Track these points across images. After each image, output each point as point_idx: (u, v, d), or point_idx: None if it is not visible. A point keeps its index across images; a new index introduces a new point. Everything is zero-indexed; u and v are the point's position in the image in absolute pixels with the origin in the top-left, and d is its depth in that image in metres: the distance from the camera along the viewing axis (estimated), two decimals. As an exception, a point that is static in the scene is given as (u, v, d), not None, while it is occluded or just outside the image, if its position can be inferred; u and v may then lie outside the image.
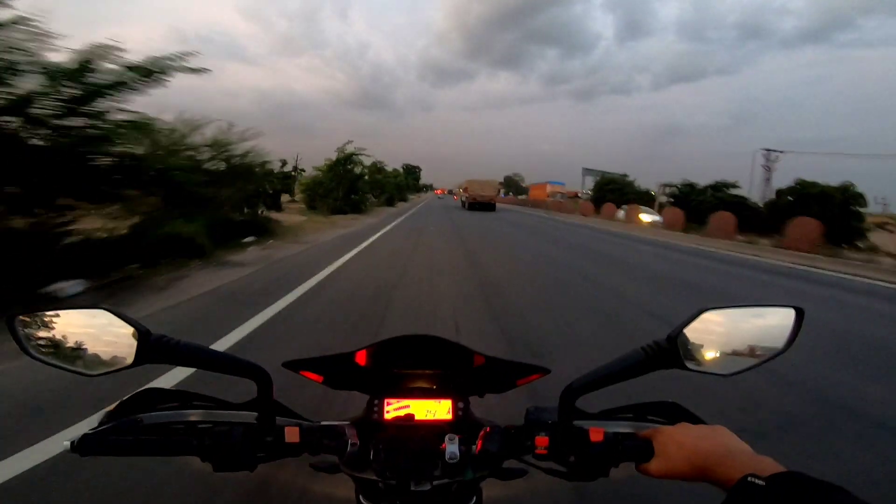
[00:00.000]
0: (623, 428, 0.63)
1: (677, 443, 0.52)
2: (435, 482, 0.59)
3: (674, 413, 0.64)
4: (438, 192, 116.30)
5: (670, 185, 29.61)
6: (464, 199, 38.18)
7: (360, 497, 0.66)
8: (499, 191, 38.12)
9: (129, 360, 0.52)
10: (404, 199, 53.43)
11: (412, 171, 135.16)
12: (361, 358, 0.66)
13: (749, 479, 0.40)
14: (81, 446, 0.53)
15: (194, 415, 0.61)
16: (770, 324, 0.58)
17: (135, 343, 0.52)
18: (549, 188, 62.44)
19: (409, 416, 0.66)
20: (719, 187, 25.43)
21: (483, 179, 36.65)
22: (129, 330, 0.52)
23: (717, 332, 0.57)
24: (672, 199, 28.11)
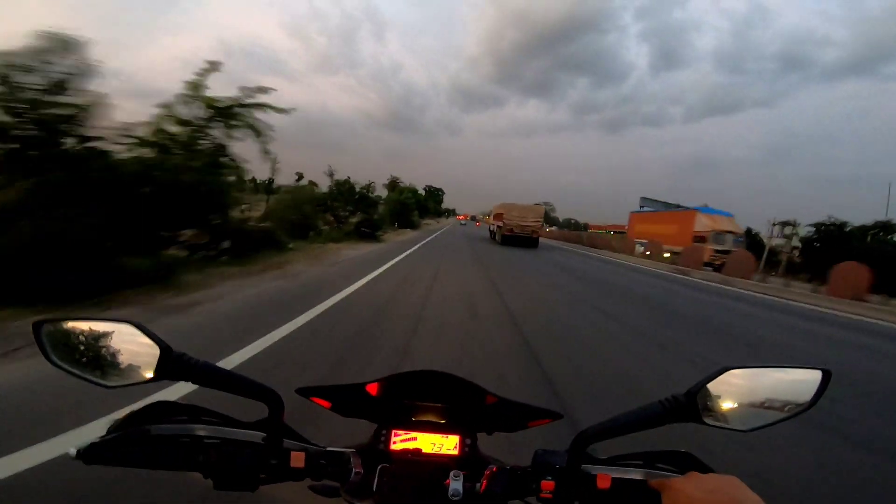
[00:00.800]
0: (632, 475, 0.61)
1: (687, 497, 0.51)
2: None
3: (685, 463, 0.62)
4: (461, 217, 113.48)
5: (790, 224, 18.39)
6: (494, 228, 28.61)
7: None
8: (542, 220, 26.49)
9: (148, 375, 0.53)
10: (412, 225, 41.08)
11: (434, 194, 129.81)
12: (373, 389, 0.67)
13: None
14: (87, 454, 0.53)
15: (202, 430, 0.61)
16: (794, 382, 0.56)
17: (155, 359, 0.53)
18: (702, 220, 23.94)
19: (417, 451, 0.66)
20: (886, 227, 17.24)
21: (523, 204, 25.79)
22: (152, 345, 0.53)
23: (737, 391, 0.56)
24: (798, 245, 18.47)
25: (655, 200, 39.74)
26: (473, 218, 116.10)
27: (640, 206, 39.09)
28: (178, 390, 2.31)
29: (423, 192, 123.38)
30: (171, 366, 0.53)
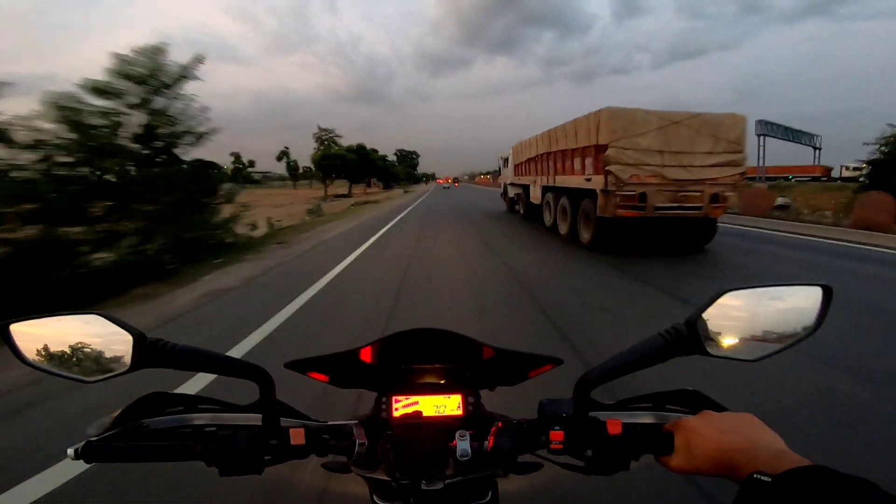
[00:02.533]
0: (642, 419, 0.61)
1: (700, 437, 0.49)
2: (447, 480, 0.58)
3: (695, 402, 0.61)
4: (441, 181, 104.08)
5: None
6: (514, 194, 14.90)
7: (374, 496, 0.65)
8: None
9: (126, 365, 0.51)
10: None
11: (407, 158, 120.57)
12: (367, 354, 0.65)
13: (755, 475, 0.38)
14: (85, 454, 0.52)
15: (199, 419, 0.60)
16: (796, 304, 0.54)
17: (131, 348, 0.50)
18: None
19: (417, 413, 0.65)
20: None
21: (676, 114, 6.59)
22: (125, 335, 0.51)
23: (738, 316, 0.54)
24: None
25: (776, 125, 26.97)
26: (456, 180, 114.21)
27: (757, 134, 26.66)
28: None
29: (394, 157, 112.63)
30: (147, 353, 0.51)
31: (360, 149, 59.98)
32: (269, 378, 0.56)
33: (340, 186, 66.67)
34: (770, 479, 0.36)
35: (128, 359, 0.51)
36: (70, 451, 0.52)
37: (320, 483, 1.71)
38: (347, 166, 55.04)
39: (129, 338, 0.50)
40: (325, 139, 65.29)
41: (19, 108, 5.81)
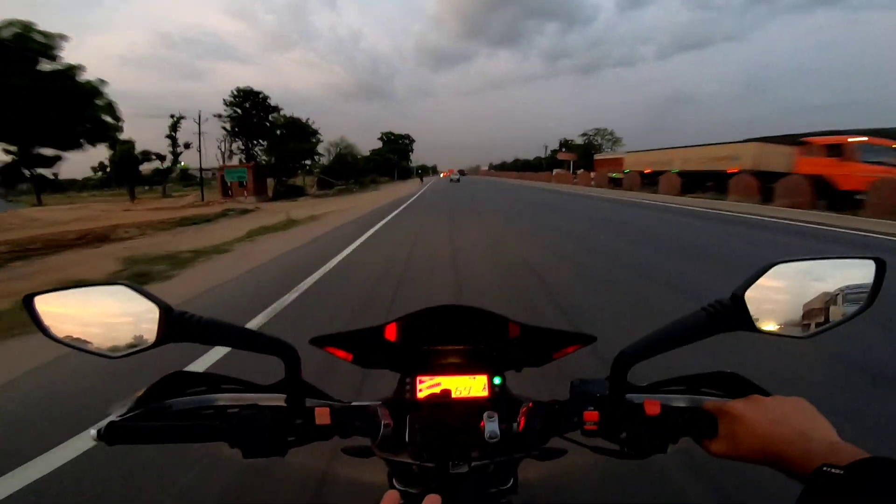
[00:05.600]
0: (678, 402, 0.58)
1: (748, 424, 0.47)
2: (473, 463, 0.56)
3: (733, 385, 0.58)
4: (446, 174, 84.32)
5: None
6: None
7: (394, 481, 0.63)
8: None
9: (152, 339, 0.50)
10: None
11: (395, 143, 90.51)
12: (391, 332, 0.63)
13: (825, 468, 0.36)
14: (108, 435, 0.51)
15: (223, 398, 0.58)
16: (848, 278, 0.52)
17: (156, 321, 0.49)
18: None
19: (446, 393, 0.62)
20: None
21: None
22: (151, 307, 0.49)
23: (787, 290, 0.51)
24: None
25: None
26: (462, 172, 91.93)
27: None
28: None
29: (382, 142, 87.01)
30: (174, 327, 0.49)
31: (291, 123, 32.61)
32: (295, 354, 0.55)
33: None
34: (842, 472, 0.35)
35: (153, 333, 0.49)
36: (93, 432, 0.51)
37: (338, 469, 1.71)
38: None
39: (156, 310, 0.49)
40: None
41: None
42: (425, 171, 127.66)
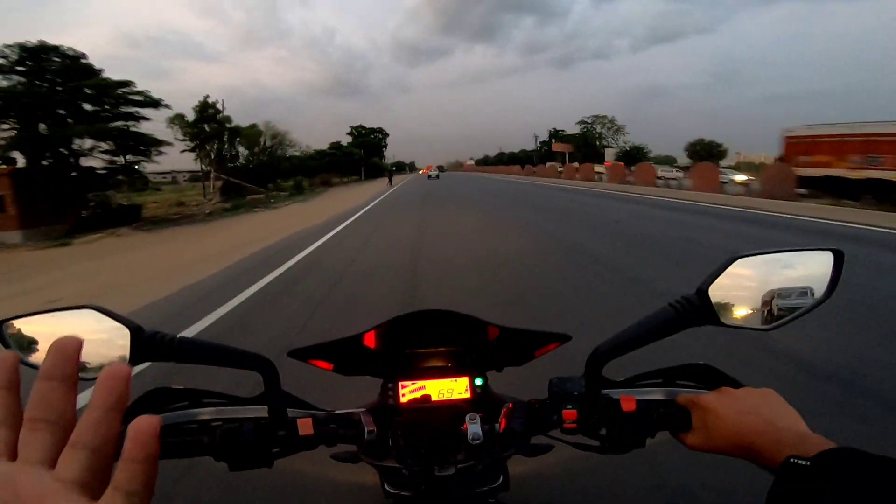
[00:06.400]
0: (654, 395, 0.59)
1: (719, 416, 0.48)
2: (459, 465, 0.57)
3: (706, 376, 0.60)
4: (425, 170, 70.67)
5: None
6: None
7: (385, 485, 0.64)
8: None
9: (125, 360, 0.49)
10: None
11: (366, 137, 79.61)
12: (370, 340, 0.64)
13: (792, 459, 0.37)
14: None
15: (205, 413, 0.58)
16: (808, 270, 0.53)
17: (128, 341, 0.49)
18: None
19: (426, 398, 0.63)
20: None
21: None
22: (121, 328, 0.49)
23: (749, 284, 0.52)
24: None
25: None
26: (441, 168, 78.49)
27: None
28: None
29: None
30: (145, 347, 0.49)
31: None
32: (273, 368, 0.55)
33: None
34: (808, 463, 0.36)
35: (125, 354, 0.49)
36: None
37: (331, 475, 1.71)
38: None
39: (125, 331, 0.49)
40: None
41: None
42: (401, 168, 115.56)
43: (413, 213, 13.26)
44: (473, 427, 0.55)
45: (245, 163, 33.66)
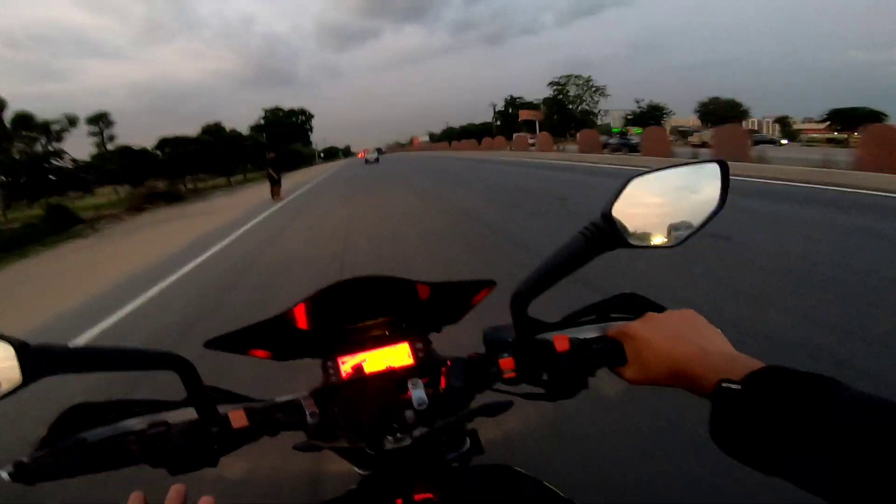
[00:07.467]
0: (588, 332, 0.58)
1: (648, 345, 0.48)
2: (415, 433, 0.55)
3: (635, 305, 0.60)
4: (361, 154, 62.04)
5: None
6: None
7: (356, 468, 0.62)
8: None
9: (17, 379, 0.45)
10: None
11: (284, 120, 70.47)
12: (301, 319, 0.61)
13: (723, 384, 0.37)
14: (20, 474, 0.47)
15: (136, 422, 0.55)
16: (700, 184, 0.54)
17: (14, 359, 0.45)
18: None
19: (358, 368, 0.61)
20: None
21: None
22: (5, 347, 0.45)
23: (649, 203, 0.53)
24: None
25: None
26: (380, 150, 68.29)
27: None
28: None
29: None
30: (36, 362, 0.45)
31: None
32: (187, 364, 0.52)
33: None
34: (739, 387, 0.36)
35: (16, 372, 0.45)
36: (3, 474, 0.47)
37: (307, 466, 1.68)
38: None
39: (10, 349, 0.45)
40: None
41: None
42: (333, 154, 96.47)
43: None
44: (417, 392, 0.54)
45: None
